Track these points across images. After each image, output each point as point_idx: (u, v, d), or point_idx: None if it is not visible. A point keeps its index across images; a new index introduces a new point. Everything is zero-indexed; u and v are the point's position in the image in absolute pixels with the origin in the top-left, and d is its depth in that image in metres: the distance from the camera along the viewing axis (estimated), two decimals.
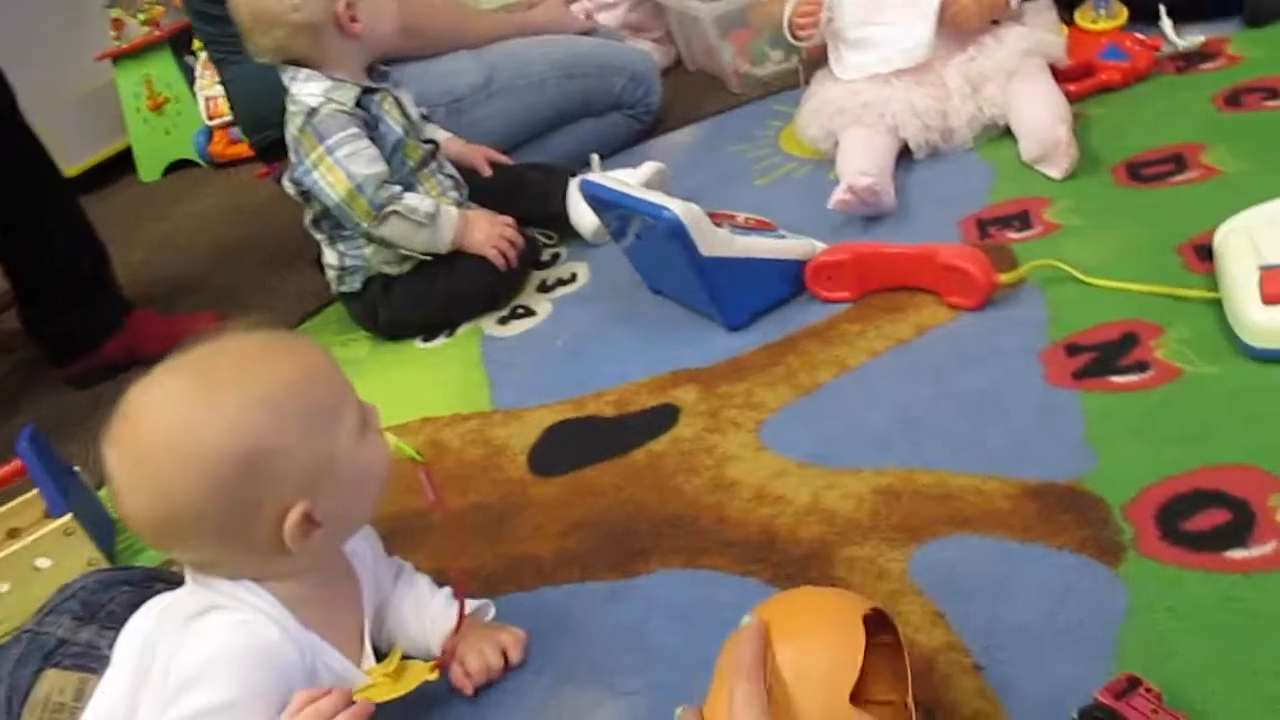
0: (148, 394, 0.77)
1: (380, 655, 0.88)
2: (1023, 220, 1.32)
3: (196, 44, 3.08)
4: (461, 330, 1.59)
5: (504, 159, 1.76)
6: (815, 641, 0.68)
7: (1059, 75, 1.53)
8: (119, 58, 3.23)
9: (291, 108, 1.50)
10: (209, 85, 3.12)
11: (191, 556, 0.81)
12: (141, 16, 3.26)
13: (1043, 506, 0.89)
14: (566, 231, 1.72)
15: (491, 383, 1.42)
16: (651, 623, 0.92)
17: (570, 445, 1.23)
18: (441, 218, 1.52)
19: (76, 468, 1.43)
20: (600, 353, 1.39)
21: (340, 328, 1.73)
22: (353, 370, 1.54)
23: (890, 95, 1.55)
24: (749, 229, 1.32)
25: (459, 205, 1.59)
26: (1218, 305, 1.03)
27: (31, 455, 1.32)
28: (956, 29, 1.55)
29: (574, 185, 1.63)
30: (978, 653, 0.79)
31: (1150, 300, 1.08)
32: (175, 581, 0.88)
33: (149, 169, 3.36)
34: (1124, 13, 1.62)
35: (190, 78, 3.24)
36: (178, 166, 3.32)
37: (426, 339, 1.61)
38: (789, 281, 1.32)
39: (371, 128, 1.50)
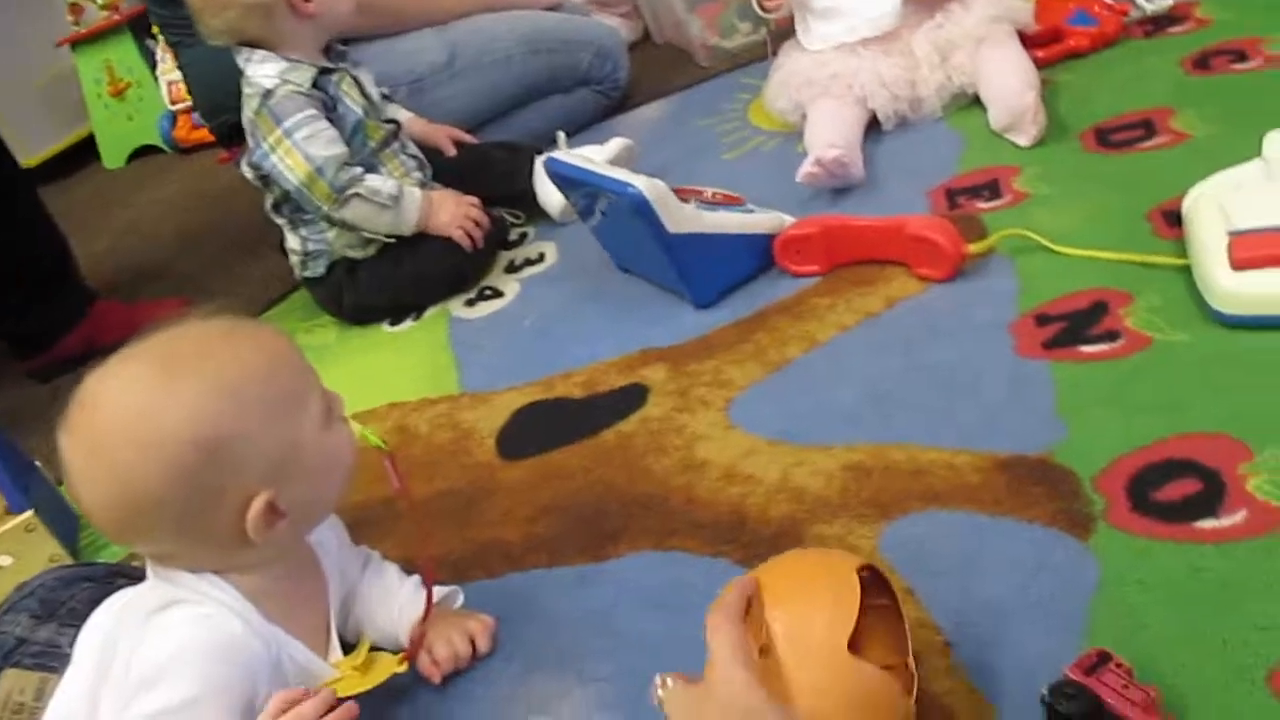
0: (104, 381, 0.75)
1: (347, 646, 0.87)
2: (992, 189, 1.31)
3: (155, 27, 3.02)
4: (429, 313, 1.57)
5: (468, 138, 1.73)
6: (809, 603, 0.68)
7: (1027, 41, 1.51)
8: (79, 43, 3.18)
9: (247, 90, 1.47)
10: (170, 69, 3.05)
11: (152, 549, 0.80)
12: (100, 0, 3.19)
13: (1013, 479, 0.88)
14: (534, 211, 1.69)
15: (460, 365, 1.41)
16: (620, 607, 0.92)
17: (539, 428, 1.21)
18: (405, 199, 1.50)
19: (37, 462, 1.40)
20: (569, 333, 1.38)
21: (306, 313, 1.71)
22: (319, 356, 1.53)
23: (858, 66, 1.53)
24: (716, 204, 1.31)
25: (423, 186, 1.57)
26: (1187, 272, 1.02)
27: None
28: None
29: (540, 163, 1.61)
30: (948, 630, 0.78)
31: (1120, 268, 1.08)
32: (138, 577, 0.87)
33: (113, 156, 3.31)
34: None
35: (152, 62, 3.18)
36: (142, 153, 3.27)
37: (394, 323, 1.59)
38: (757, 256, 1.30)
39: (330, 109, 1.48)
